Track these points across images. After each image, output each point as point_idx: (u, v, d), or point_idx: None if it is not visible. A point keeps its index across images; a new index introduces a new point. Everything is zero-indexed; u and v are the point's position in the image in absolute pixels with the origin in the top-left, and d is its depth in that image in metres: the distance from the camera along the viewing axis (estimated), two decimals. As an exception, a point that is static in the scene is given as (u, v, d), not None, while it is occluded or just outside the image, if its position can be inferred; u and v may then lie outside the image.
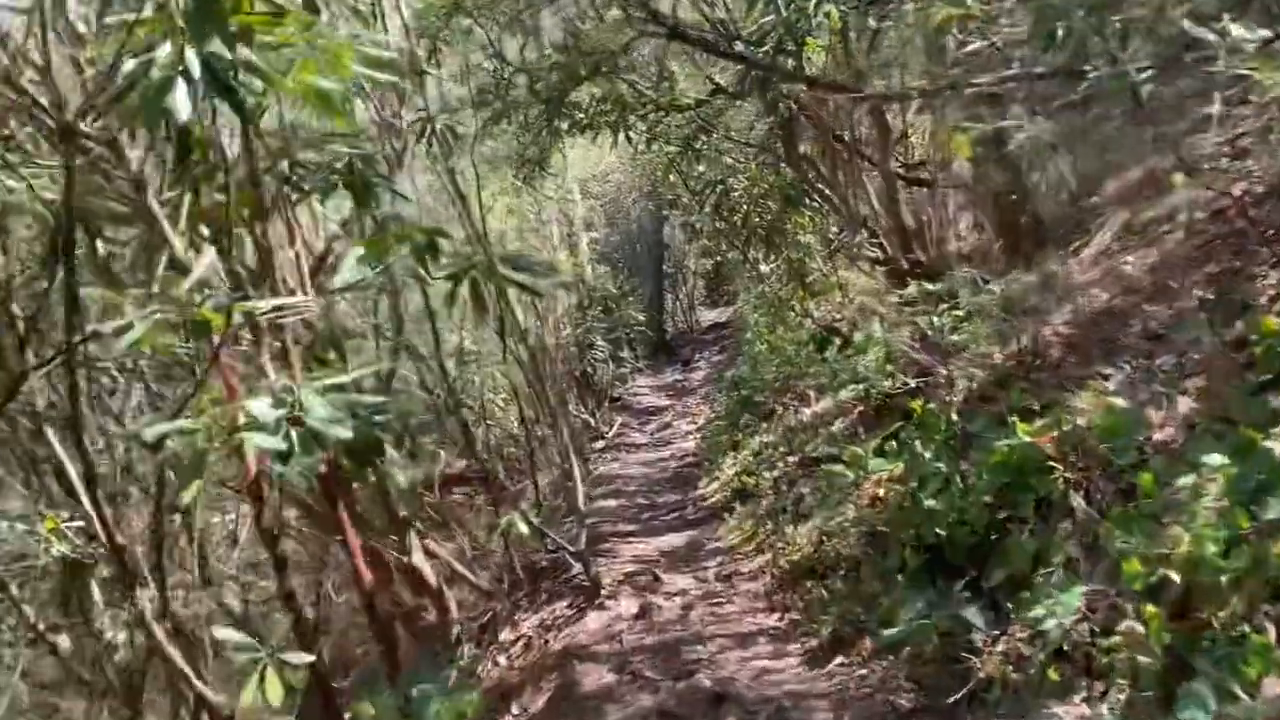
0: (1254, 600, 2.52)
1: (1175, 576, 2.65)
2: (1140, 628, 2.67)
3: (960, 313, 5.14)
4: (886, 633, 3.64)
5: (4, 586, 4.03)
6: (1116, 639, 2.75)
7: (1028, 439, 3.73)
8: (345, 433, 2.55)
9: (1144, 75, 2.97)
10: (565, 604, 5.49)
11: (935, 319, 5.28)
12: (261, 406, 2.48)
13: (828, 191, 7.25)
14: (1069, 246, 5.74)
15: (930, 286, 5.56)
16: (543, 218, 11.05)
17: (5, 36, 2.85)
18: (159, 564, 3.27)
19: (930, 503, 4.01)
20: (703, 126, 7.85)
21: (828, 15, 5.27)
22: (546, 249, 10.99)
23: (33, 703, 5.11)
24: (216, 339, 3.04)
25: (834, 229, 8.25)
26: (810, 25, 5.25)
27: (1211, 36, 2.77)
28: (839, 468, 5.22)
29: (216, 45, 2.21)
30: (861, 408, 6.28)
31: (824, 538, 5.01)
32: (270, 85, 2.69)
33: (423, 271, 3.42)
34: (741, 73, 6.06)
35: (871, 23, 5.67)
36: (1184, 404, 3.46)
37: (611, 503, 8.15)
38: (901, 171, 6.83)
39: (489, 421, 9.48)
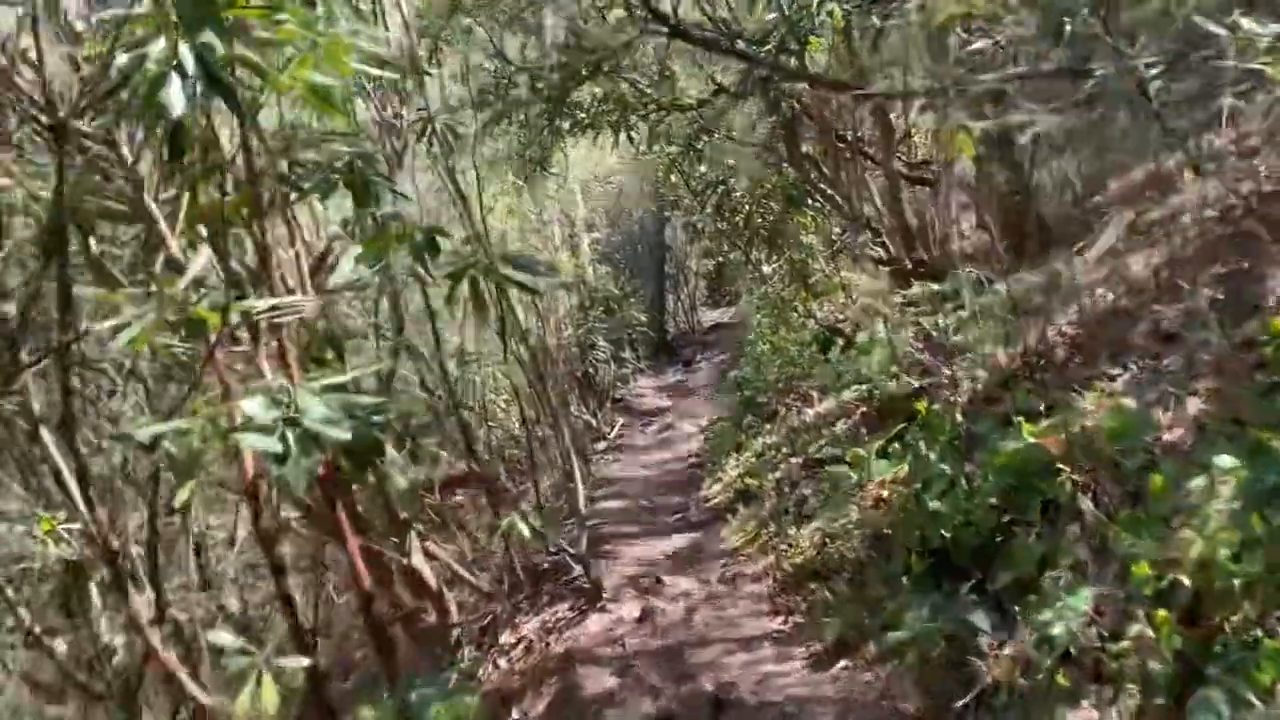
0: (1267, 605, 2.47)
1: (1186, 581, 2.61)
2: (1151, 633, 2.63)
3: (964, 313, 5.10)
4: (891, 636, 3.59)
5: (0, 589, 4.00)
6: (1126, 644, 2.71)
7: (1034, 440, 3.68)
8: (342, 434, 2.51)
9: (1153, 72, 2.92)
10: (566, 606, 5.45)
11: (939, 319, 5.24)
12: (256, 407, 2.44)
13: (830, 191, 7.21)
14: (1073, 246, 5.70)
15: (934, 287, 5.53)
16: (544, 218, 11.02)
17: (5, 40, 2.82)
18: (154, 566, 3.23)
19: (935, 505, 3.96)
20: (704, 127, 7.82)
21: (830, 14, 5.24)
22: (548, 250, 10.95)
23: (30, 709, 5.08)
24: (213, 339, 3.01)
25: (837, 229, 8.21)
26: (813, 24, 5.22)
27: (1222, 31, 2.73)
28: (842, 469, 5.18)
29: (209, 37, 2.16)
30: (865, 409, 6.24)
31: (827, 540, 4.96)
32: (266, 81, 2.66)
33: (422, 271, 3.37)
34: (744, 72, 6.03)
35: (875, 21, 5.64)
36: (1193, 405, 3.42)
37: (613, 504, 8.10)
38: (905, 171, 6.79)
39: (490, 423, 9.44)
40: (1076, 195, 6.22)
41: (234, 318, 2.97)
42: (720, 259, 14.44)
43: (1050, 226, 6.08)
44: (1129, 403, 3.48)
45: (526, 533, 5.50)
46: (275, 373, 3.18)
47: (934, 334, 5.31)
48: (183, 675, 3.00)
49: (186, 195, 3.41)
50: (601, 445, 11.03)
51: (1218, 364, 3.62)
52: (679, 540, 6.70)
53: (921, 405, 4.90)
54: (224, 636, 2.62)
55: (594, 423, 11.73)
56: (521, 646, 5.27)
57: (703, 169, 8.96)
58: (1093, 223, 5.88)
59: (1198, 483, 2.79)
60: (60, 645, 4.41)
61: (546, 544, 6.12)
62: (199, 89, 2.32)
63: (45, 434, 3.05)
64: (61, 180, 2.44)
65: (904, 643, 3.56)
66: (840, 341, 7.11)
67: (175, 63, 2.23)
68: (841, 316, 8.13)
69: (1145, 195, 5.61)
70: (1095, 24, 3.21)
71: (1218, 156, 5.03)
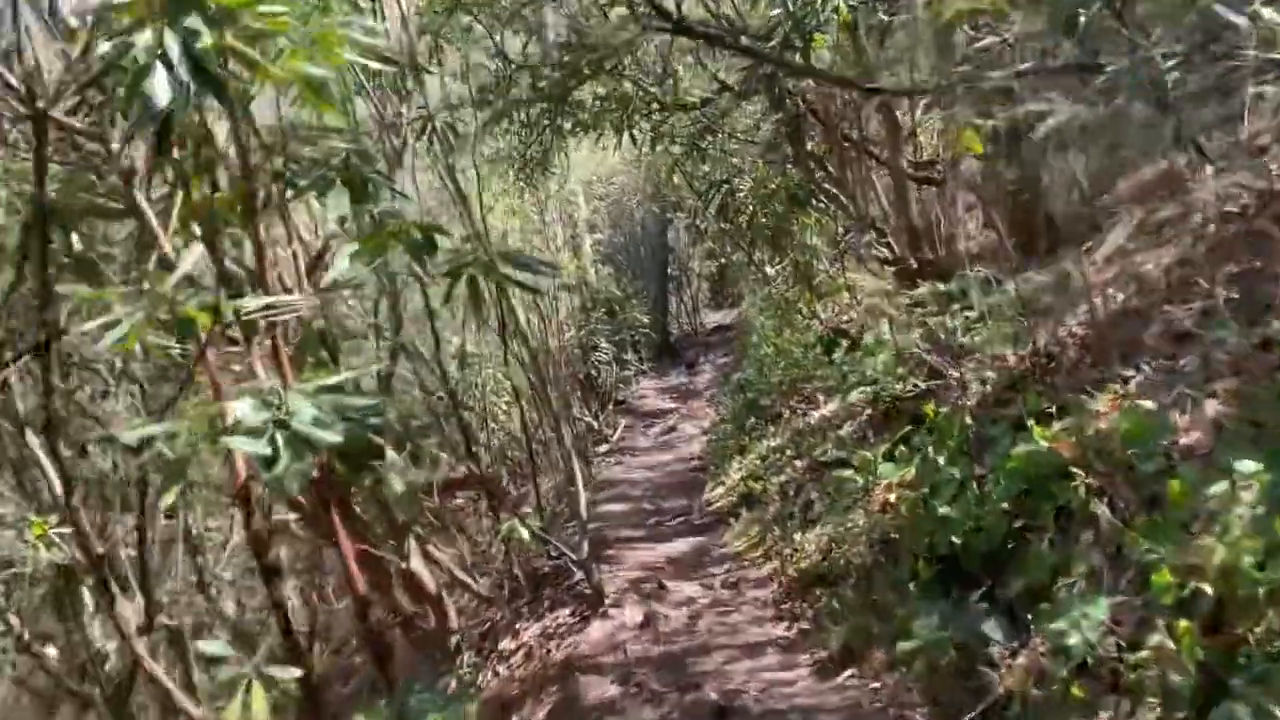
0: (1293, 614, 2.38)
1: (1208, 589, 2.51)
2: (1171, 643, 2.54)
3: (973, 314, 5.01)
4: (901, 645, 3.50)
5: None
6: (1145, 654, 2.62)
7: (1046, 444, 3.59)
8: (334, 437, 2.43)
9: (1170, 64, 2.84)
10: (568, 612, 5.37)
11: (947, 320, 5.14)
12: (246, 409, 2.35)
13: (835, 191, 7.12)
14: (1082, 245, 5.61)
15: (941, 287, 5.43)
16: (546, 219, 10.94)
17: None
18: (144, 571, 3.15)
19: (944, 510, 3.87)
20: (708, 126, 7.74)
21: (836, 10, 5.16)
22: (549, 250, 10.87)
23: (24, 713, 5.00)
24: (204, 339, 2.93)
25: (841, 229, 8.12)
26: (818, 20, 5.14)
27: (1242, 21, 2.65)
28: (848, 473, 5.09)
29: (195, 24, 2.08)
30: (870, 411, 6.15)
31: (833, 545, 4.88)
32: (257, 72, 2.58)
33: (418, 269, 3.29)
34: (748, 69, 5.95)
35: (881, 17, 5.56)
36: (1211, 407, 3.32)
37: (615, 507, 8.02)
38: (910, 171, 6.70)
39: (491, 424, 9.37)
40: (1085, 194, 6.13)
41: (226, 317, 2.88)
42: (723, 260, 14.36)
43: (1059, 225, 5.99)
44: (1145, 405, 3.38)
45: (527, 537, 5.42)
46: (269, 373, 3.10)
47: (941, 335, 5.21)
48: (170, 685, 2.92)
49: (180, 192, 3.35)
50: (604, 447, 10.95)
51: (1235, 364, 3.53)
52: (682, 544, 6.62)
53: (929, 407, 4.81)
54: (213, 645, 2.54)
55: (596, 425, 11.65)
56: (522, 653, 5.19)
57: (706, 169, 8.88)
58: (1101, 222, 5.79)
59: (1219, 488, 2.69)
60: (52, 651, 4.34)
61: (547, 548, 6.03)
62: (186, 80, 2.24)
63: (31, 436, 2.97)
64: (42, 174, 2.37)
65: (912, 651, 3.47)
66: (845, 343, 7.02)
67: (160, 52, 2.15)
68: (846, 318, 8.04)
69: (1155, 194, 5.52)
70: (1109, 16, 3.13)
71: (1230, 154, 4.94)
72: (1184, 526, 2.81)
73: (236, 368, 3.31)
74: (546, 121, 6.92)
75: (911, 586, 3.96)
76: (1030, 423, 3.78)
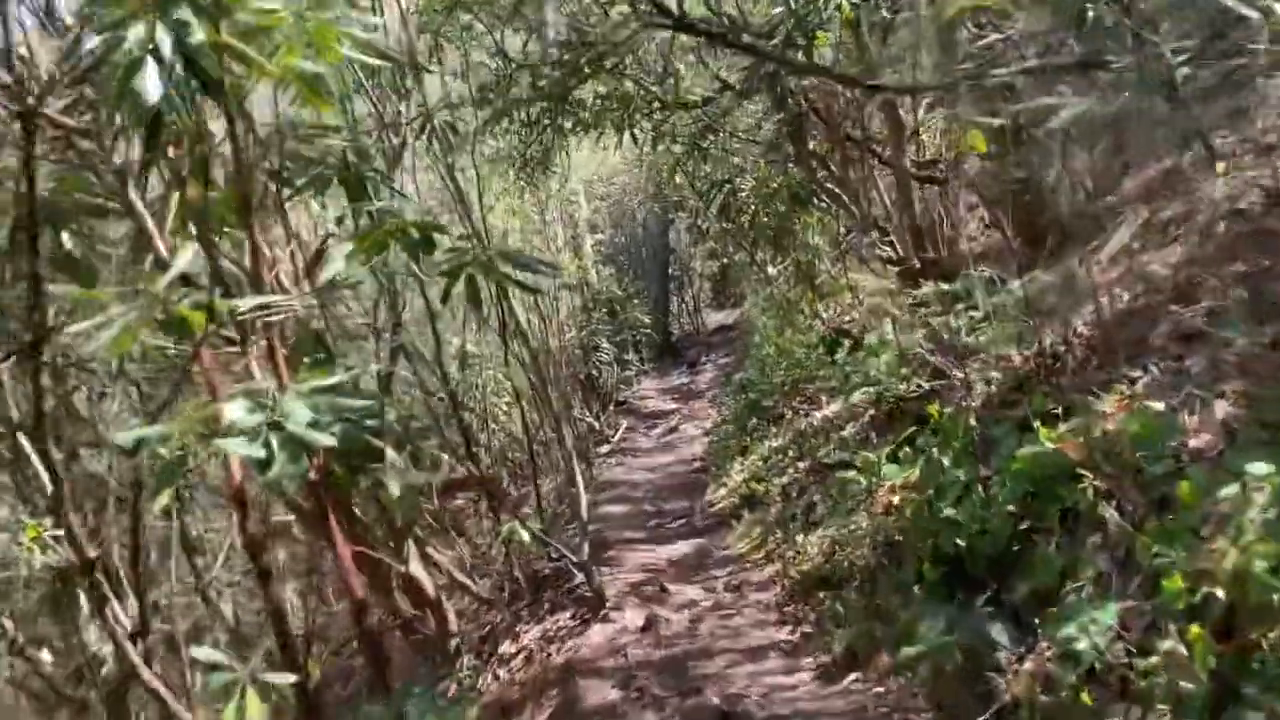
0: (1308, 620, 2.33)
1: (1220, 594, 2.46)
2: (1183, 649, 2.49)
3: (977, 313, 4.96)
4: (906, 650, 3.45)
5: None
6: (1156, 660, 2.57)
7: (1052, 445, 3.54)
8: (328, 439, 2.39)
9: (1180, 59, 2.79)
10: (568, 615, 5.32)
11: (951, 320, 5.10)
12: (239, 411, 2.31)
13: (837, 190, 7.08)
14: (1087, 245, 5.56)
15: (945, 287, 5.38)
16: (546, 219, 10.90)
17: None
18: (137, 575, 3.10)
19: (949, 512, 3.83)
20: (709, 125, 7.69)
21: (839, 8, 5.12)
22: (550, 250, 10.83)
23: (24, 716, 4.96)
24: (199, 339, 2.89)
25: (843, 229, 8.08)
26: (820, 18, 5.09)
27: (1254, 14, 2.60)
28: (851, 474, 5.04)
29: (185, 13, 2.04)
30: (873, 412, 6.10)
31: (836, 547, 4.83)
32: (252, 69, 2.54)
33: (416, 268, 3.25)
34: (750, 68, 5.90)
35: (884, 14, 5.51)
36: (1220, 408, 3.27)
37: (616, 509, 7.97)
38: (914, 170, 6.66)
39: (492, 425, 9.33)
40: (1089, 192, 6.09)
41: (220, 317, 2.84)
42: (725, 260, 14.32)
43: (1063, 225, 5.94)
44: (1153, 406, 3.33)
45: (527, 539, 5.38)
46: (265, 374, 3.06)
47: (945, 335, 5.16)
48: (164, 691, 2.87)
49: (176, 191, 3.31)
50: (605, 448, 10.90)
51: (1243, 365, 3.48)
52: (683, 546, 6.57)
53: (933, 408, 4.76)
54: (206, 651, 2.50)
55: (597, 425, 11.61)
56: (522, 656, 5.14)
57: (707, 168, 8.83)
58: (1106, 221, 5.74)
59: (1230, 490, 2.64)
60: (47, 655, 4.30)
61: (548, 550, 5.99)
62: (180, 76, 2.20)
63: (22, 438, 2.93)
64: (31, 172, 2.33)
65: (917, 656, 3.42)
66: (847, 343, 6.97)
67: (152, 46, 2.11)
68: (848, 318, 7.99)
69: (1161, 193, 5.47)
70: (1115, 9, 3.08)
71: (1238, 151, 4.90)
72: (1194, 530, 2.76)
73: (235, 369, 3.27)
74: (547, 120, 6.87)
75: (916, 590, 3.91)
76: (1036, 424, 3.73)
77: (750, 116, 7.88)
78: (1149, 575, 2.84)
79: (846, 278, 7.93)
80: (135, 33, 2.15)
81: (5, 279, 2.62)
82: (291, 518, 5.26)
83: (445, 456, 6.77)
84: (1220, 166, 4.04)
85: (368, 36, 3.00)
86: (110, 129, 3.18)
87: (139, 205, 3.14)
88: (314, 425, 2.42)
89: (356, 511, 5.02)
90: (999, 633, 3.23)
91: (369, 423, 2.98)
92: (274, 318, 3.14)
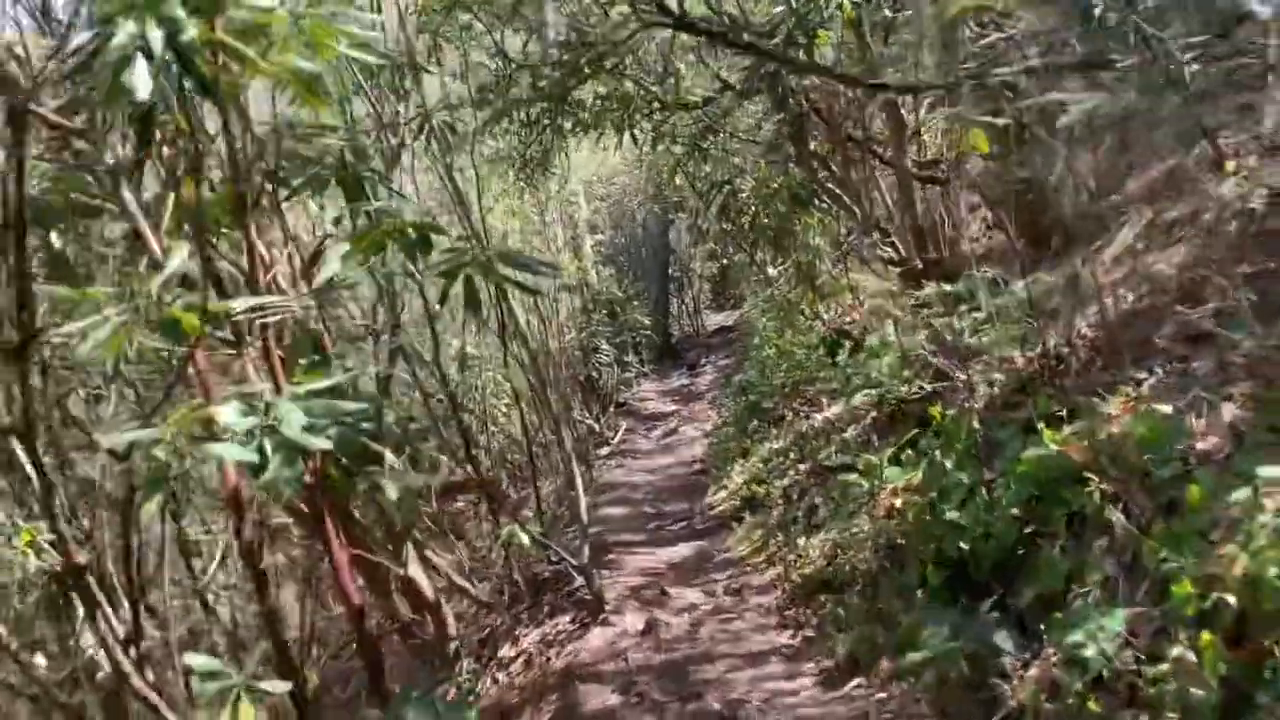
0: (1320, 627, 2.29)
1: (1231, 600, 2.43)
2: (1192, 656, 2.45)
3: (980, 315, 4.92)
4: (910, 657, 3.40)
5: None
6: (1165, 668, 2.53)
7: (1056, 448, 3.50)
8: (324, 443, 2.35)
9: (1190, 56, 2.75)
10: (568, 619, 5.28)
11: (954, 321, 5.06)
12: (232, 414, 2.27)
13: (838, 191, 7.04)
14: (1090, 245, 5.52)
15: (948, 288, 5.35)
16: (546, 220, 10.86)
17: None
18: (130, 580, 3.06)
19: (952, 515, 3.79)
20: (710, 126, 7.65)
21: (840, 6, 5.08)
22: (550, 251, 10.79)
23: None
24: (194, 341, 2.85)
25: (844, 230, 8.04)
26: (822, 17, 5.06)
27: (1265, 10, 2.56)
28: (853, 477, 5.00)
29: (176, 10, 2.00)
30: (875, 414, 6.06)
31: (838, 550, 4.79)
32: (245, 66, 2.49)
33: (412, 268, 3.20)
34: (751, 67, 5.86)
35: (886, 13, 5.48)
36: (1228, 411, 3.23)
37: (616, 511, 7.93)
38: (915, 170, 6.62)
39: (492, 427, 9.28)
40: (1092, 192, 6.05)
41: (215, 319, 2.80)
42: (725, 261, 14.28)
43: (1066, 225, 5.90)
44: (1160, 408, 3.29)
45: (526, 542, 5.34)
46: (261, 376, 3.02)
47: (947, 336, 5.12)
48: (155, 699, 2.83)
49: (171, 191, 3.27)
50: (605, 450, 10.86)
51: (1251, 367, 3.44)
52: (683, 549, 6.53)
53: (935, 410, 4.72)
54: (198, 659, 2.46)
55: (597, 427, 11.56)
56: (521, 660, 5.10)
57: (708, 169, 8.80)
58: (1109, 221, 5.70)
59: (1241, 495, 2.61)
60: (41, 660, 4.25)
61: (547, 553, 5.95)
62: (175, 72, 2.16)
63: (14, 441, 2.89)
64: (21, 170, 2.28)
65: (921, 662, 3.37)
66: (848, 345, 6.93)
67: (142, 43, 2.07)
68: (849, 319, 7.95)
69: (1165, 193, 5.43)
70: (1121, 6, 3.04)
71: (1238, 151, 4.85)
72: (1203, 535, 2.72)
73: (232, 370, 3.23)
74: (547, 121, 6.83)
75: (919, 594, 3.87)
76: (1040, 426, 3.69)
77: (751, 117, 7.84)
78: (1157, 580, 2.80)
79: (847, 279, 7.89)
80: (125, 29, 2.11)
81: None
82: (290, 520, 5.22)
83: (444, 459, 6.73)
84: (1231, 165, 3.99)
85: (365, 35, 2.96)
86: (104, 128, 3.14)
87: (133, 205, 3.10)
88: (309, 429, 2.38)
89: (355, 514, 4.98)
90: (1004, 638, 3.19)
91: (366, 426, 2.94)
92: (270, 319, 3.10)
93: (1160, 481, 3.09)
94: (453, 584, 6.01)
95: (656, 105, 7.00)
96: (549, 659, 4.91)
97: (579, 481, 6.21)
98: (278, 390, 2.72)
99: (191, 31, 2.19)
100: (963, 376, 4.89)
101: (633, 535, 7.09)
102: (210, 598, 5.76)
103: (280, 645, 3.05)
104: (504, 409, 9.37)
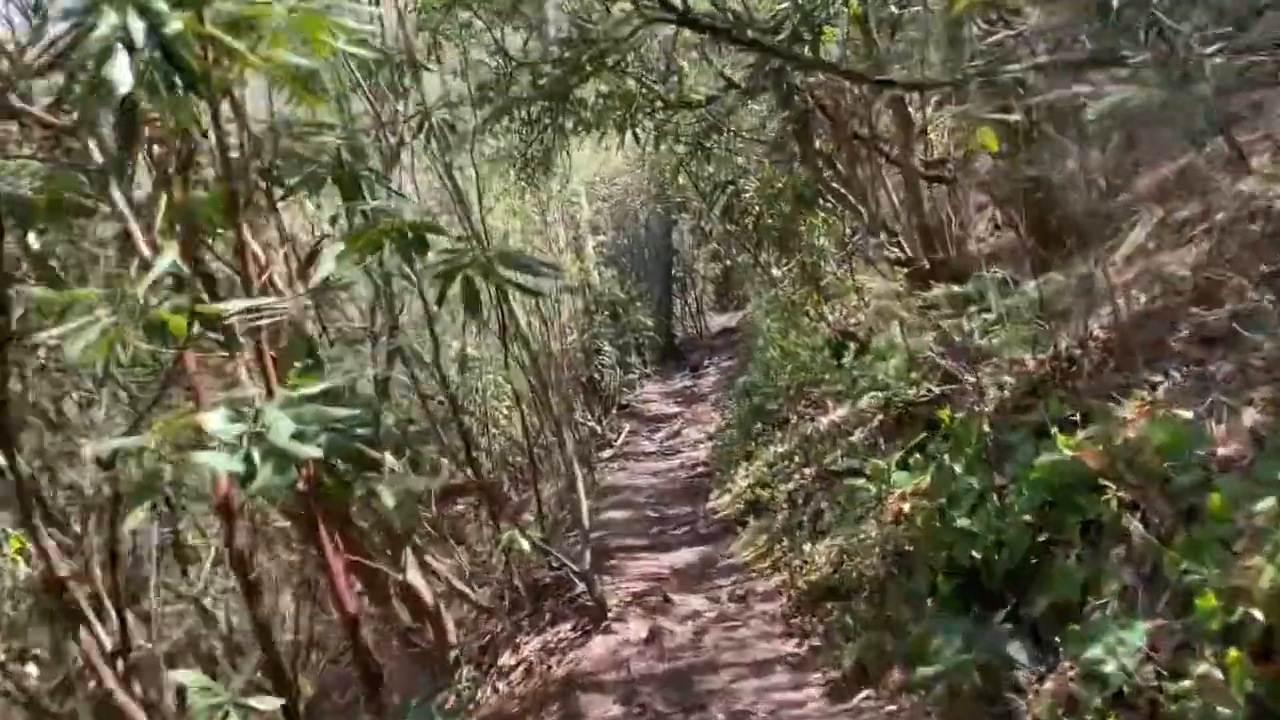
0: (1353, 643, 2.20)
1: (1258, 614, 2.33)
2: (1218, 673, 2.35)
3: (989, 316, 4.82)
4: (921, 670, 3.30)
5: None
6: (1188, 684, 2.43)
7: (1070, 453, 3.41)
8: (314, 451, 2.26)
9: (1210, 51, 2.66)
10: (569, 626, 5.19)
11: (963, 323, 4.96)
12: (218, 421, 2.18)
13: (844, 190, 6.94)
14: (1102, 245, 5.42)
15: (956, 288, 5.25)
16: (548, 220, 10.78)
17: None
18: (117, 591, 2.98)
19: (963, 522, 3.69)
20: (713, 125, 7.56)
21: (846, 2, 5.00)
22: (552, 252, 10.71)
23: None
24: (183, 344, 2.76)
25: (849, 230, 7.95)
26: (827, 13, 4.97)
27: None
28: (860, 481, 4.91)
29: (160, 4, 1.92)
30: (881, 416, 5.96)
31: (845, 556, 4.69)
32: (234, 60, 2.41)
33: (408, 269, 3.12)
34: (755, 65, 5.77)
35: (892, 9, 5.39)
36: (1248, 416, 3.13)
37: (619, 514, 7.83)
38: (922, 169, 6.52)
39: (492, 430, 9.20)
40: (1103, 191, 5.95)
41: (206, 321, 2.72)
42: (728, 262, 14.18)
43: (1076, 224, 5.80)
44: (1179, 413, 3.19)
45: (527, 548, 5.25)
46: (254, 380, 2.94)
47: (956, 338, 5.03)
48: (141, 716, 2.75)
49: (163, 190, 3.19)
50: (607, 453, 10.77)
51: (1271, 370, 3.34)
52: (687, 554, 6.44)
53: (944, 413, 4.63)
54: (185, 675, 2.38)
55: (599, 429, 11.48)
56: (522, 669, 5.01)
57: (711, 169, 8.71)
58: (1120, 220, 5.60)
59: (1266, 504, 2.51)
60: (32, 669, 4.17)
61: (549, 559, 5.86)
62: (155, 66, 2.08)
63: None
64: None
65: (935, 676, 3.28)
66: (853, 346, 6.84)
67: (123, 34, 1.99)
68: (854, 320, 7.86)
69: (1176, 191, 5.34)
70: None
71: (1247, 150, 4.76)
72: (1226, 545, 2.63)
73: (226, 373, 3.15)
74: (548, 120, 6.74)
75: (929, 602, 3.77)
76: (1053, 430, 3.60)
77: (755, 115, 7.76)
78: (1178, 592, 2.71)
79: (853, 279, 7.80)
80: (107, 19, 2.03)
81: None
82: (288, 523, 5.14)
83: (445, 461, 6.64)
84: (1256, 163, 3.90)
85: (361, 28, 2.88)
86: (91, 125, 3.06)
87: (122, 204, 3.02)
88: (300, 435, 2.29)
89: (353, 519, 4.90)
90: (1018, 650, 3.10)
91: (360, 431, 2.85)
92: (263, 321, 3.02)
93: (1180, 489, 2.99)
94: (453, 589, 5.93)
95: (659, 104, 6.92)
96: (550, 667, 4.82)
97: (580, 485, 6.12)
98: (270, 395, 2.64)
99: (176, 23, 2.11)
100: (972, 379, 4.80)
101: (635, 539, 7.00)
102: (209, 601, 5.68)
103: (273, 657, 2.97)
104: (505, 411, 9.29)
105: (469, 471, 6.33)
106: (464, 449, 6.39)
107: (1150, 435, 3.19)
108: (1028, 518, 3.45)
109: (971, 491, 3.84)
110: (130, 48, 1.98)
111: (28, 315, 2.76)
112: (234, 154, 3.25)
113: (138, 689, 3.01)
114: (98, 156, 3.02)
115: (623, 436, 11.50)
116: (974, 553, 3.56)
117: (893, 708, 3.50)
